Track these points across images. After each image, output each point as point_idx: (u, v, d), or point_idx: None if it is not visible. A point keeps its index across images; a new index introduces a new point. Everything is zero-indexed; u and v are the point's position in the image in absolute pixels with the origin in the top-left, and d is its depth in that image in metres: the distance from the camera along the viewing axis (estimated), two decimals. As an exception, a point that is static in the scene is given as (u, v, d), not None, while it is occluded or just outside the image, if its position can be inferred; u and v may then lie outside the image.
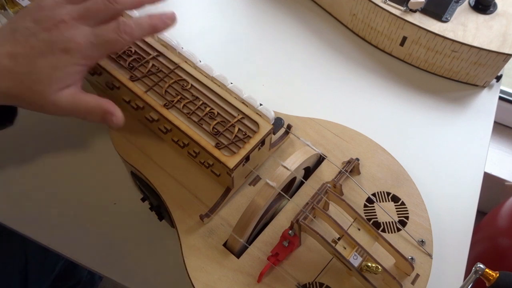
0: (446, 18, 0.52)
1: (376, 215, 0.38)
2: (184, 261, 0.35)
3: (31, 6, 0.36)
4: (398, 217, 0.38)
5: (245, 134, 0.36)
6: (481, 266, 0.32)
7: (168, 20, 0.37)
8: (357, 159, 0.40)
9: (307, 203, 0.36)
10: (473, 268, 0.33)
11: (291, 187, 0.40)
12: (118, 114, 0.36)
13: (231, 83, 0.39)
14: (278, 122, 0.40)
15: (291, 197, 0.39)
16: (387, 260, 0.35)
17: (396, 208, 0.39)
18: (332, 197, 0.37)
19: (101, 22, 0.36)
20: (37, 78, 0.33)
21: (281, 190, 0.36)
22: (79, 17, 0.35)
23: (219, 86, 0.39)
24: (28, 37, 0.34)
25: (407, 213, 0.38)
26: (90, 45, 0.35)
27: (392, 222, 0.38)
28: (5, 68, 0.33)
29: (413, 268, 0.35)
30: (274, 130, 0.38)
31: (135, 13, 0.43)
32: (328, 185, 0.37)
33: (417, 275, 0.35)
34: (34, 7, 0.36)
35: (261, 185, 0.37)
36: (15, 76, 0.33)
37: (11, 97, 0.34)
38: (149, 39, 0.41)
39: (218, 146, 0.36)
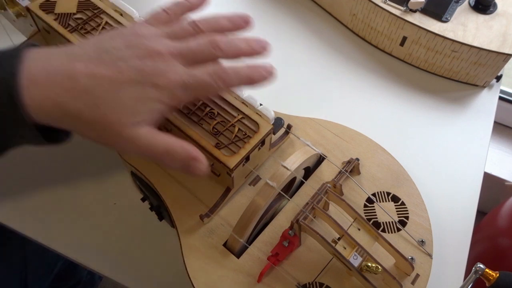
0: (446, 18, 0.52)
1: (376, 215, 0.38)
2: (184, 261, 0.35)
3: (126, 29, 0.33)
4: (398, 217, 0.38)
5: (245, 134, 0.36)
6: (481, 266, 0.32)
7: (266, 74, 0.34)
8: (357, 159, 0.40)
9: (307, 203, 0.36)
10: (473, 268, 0.33)
11: (291, 187, 0.40)
12: (204, 161, 0.31)
13: (231, 83, 0.39)
14: (278, 122, 0.40)
15: (291, 197, 0.39)
16: (387, 260, 0.35)
17: (396, 208, 0.39)
18: (332, 197, 0.37)
19: (197, 63, 0.32)
20: (115, 106, 0.29)
21: (281, 190, 0.36)
22: (178, 54, 0.32)
23: (219, 86, 0.39)
24: (116, 61, 0.30)
25: (407, 213, 0.38)
26: (181, 85, 0.31)
27: (392, 222, 0.38)
28: (83, 88, 0.29)
29: (413, 268, 0.35)
30: (274, 130, 0.38)
31: (134, 12, 0.43)
32: (328, 185, 0.37)
33: (417, 275, 0.35)
34: (129, 32, 0.33)
35: (261, 185, 0.37)
36: (91, 99, 0.29)
37: (81, 121, 0.30)
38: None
39: (218, 146, 0.36)
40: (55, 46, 0.32)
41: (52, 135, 0.33)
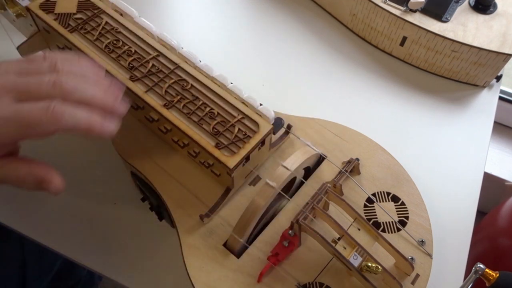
0: (446, 18, 0.52)
1: (376, 215, 0.38)
2: (184, 261, 0.35)
3: None
4: (398, 217, 0.38)
5: (245, 134, 0.36)
6: (481, 266, 0.32)
7: (109, 129, 0.31)
8: (357, 159, 0.40)
9: (307, 203, 0.36)
10: (473, 268, 0.33)
11: (291, 187, 0.40)
12: (56, 181, 0.31)
13: (231, 83, 0.39)
14: (278, 122, 0.40)
15: (291, 197, 0.39)
16: (387, 260, 0.35)
17: (396, 208, 0.39)
18: (332, 197, 0.37)
19: (34, 100, 0.29)
20: None
21: (281, 190, 0.36)
22: (12, 89, 0.29)
23: (219, 86, 0.39)
24: None
25: (407, 213, 0.38)
26: (4, 120, 0.28)
27: (392, 222, 0.38)
28: None
29: (413, 268, 0.35)
30: (274, 130, 0.38)
31: (134, 12, 0.43)
32: (328, 185, 0.37)
33: (417, 275, 0.35)
34: None
35: (261, 185, 0.37)
36: None
37: None
38: (149, 39, 0.41)
39: (218, 146, 0.36)
40: None
41: None
